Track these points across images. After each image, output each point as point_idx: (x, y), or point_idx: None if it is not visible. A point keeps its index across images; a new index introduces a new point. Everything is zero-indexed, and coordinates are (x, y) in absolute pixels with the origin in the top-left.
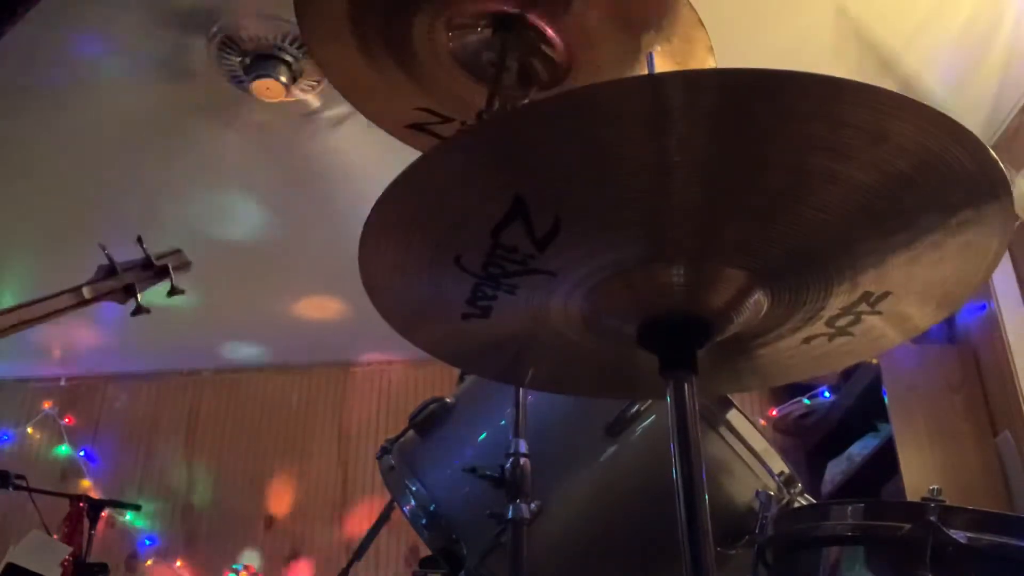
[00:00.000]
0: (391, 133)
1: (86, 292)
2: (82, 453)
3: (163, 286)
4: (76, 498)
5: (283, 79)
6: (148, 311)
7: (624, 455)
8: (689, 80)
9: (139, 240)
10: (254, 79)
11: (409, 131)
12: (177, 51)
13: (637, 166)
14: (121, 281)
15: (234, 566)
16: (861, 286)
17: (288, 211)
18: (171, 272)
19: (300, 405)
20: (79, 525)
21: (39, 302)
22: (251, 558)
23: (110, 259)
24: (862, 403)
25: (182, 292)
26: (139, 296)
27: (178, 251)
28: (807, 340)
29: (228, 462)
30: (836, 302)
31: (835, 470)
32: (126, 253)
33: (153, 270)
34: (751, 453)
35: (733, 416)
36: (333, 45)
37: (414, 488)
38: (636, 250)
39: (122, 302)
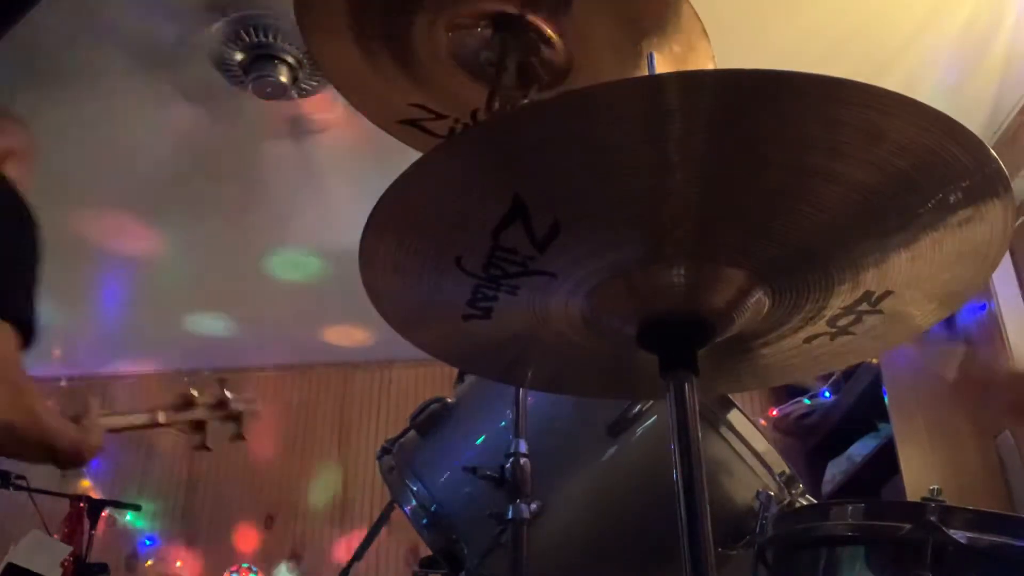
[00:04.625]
0: (382, 127)
1: (161, 417)
2: None
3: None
4: (76, 498)
5: (283, 79)
6: (210, 450)
7: (625, 455)
8: (688, 80)
9: (220, 382)
10: (254, 79)
11: (400, 126)
12: (177, 51)
13: (636, 167)
14: (195, 416)
15: (234, 566)
16: (862, 285)
17: (288, 211)
18: (242, 418)
19: (300, 405)
20: (79, 525)
21: (114, 415)
22: (251, 558)
23: (192, 392)
24: (862, 403)
25: (243, 439)
26: (207, 434)
27: (254, 399)
28: (808, 340)
29: (228, 462)
30: (837, 301)
31: (835, 470)
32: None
33: (226, 412)
34: (752, 453)
35: (734, 416)
36: (332, 41)
37: (415, 488)
38: (636, 251)
39: (189, 433)
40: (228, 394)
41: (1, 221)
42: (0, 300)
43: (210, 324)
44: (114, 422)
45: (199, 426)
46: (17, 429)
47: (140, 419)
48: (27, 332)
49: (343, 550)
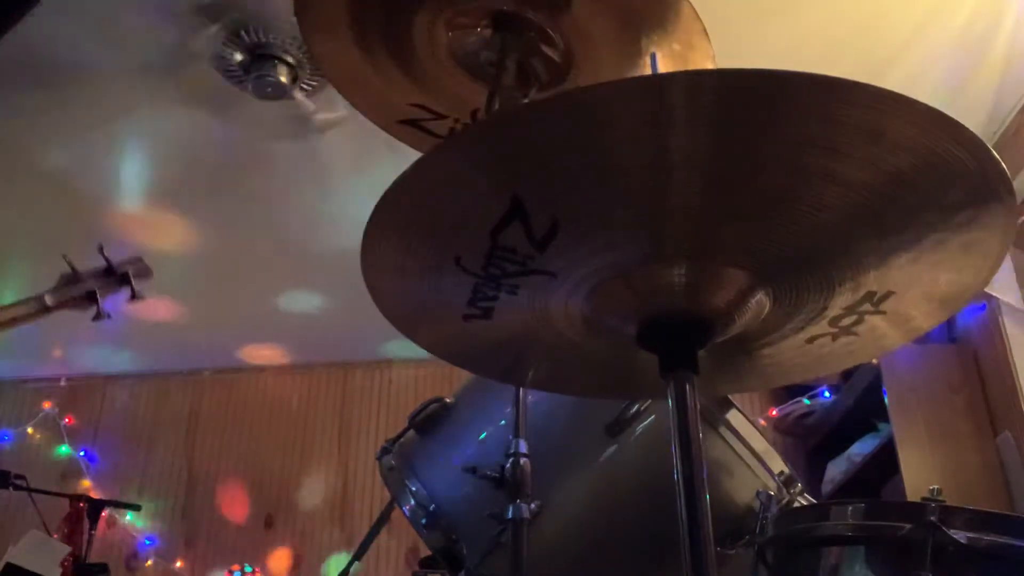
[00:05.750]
0: (382, 127)
1: (48, 300)
2: (82, 453)
3: (125, 293)
4: (76, 498)
5: (283, 79)
6: (109, 316)
7: (624, 455)
8: (688, 80)
9: (100, 249)
10: (254, 79)
11: (400, 126)
12: (177, 51)
13: (636, 166)
14: (83, 288)
15: (234, 566)
16: (864, 286)
17: (287, 211)
18: (132, 279)
19: (300, 405)
20: (79, 525)
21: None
22: (251, 558)
23: (72, 267)
24: (862, 403)
25: (142, 298)
26: (100, 302)
27: (139, 258)
28: (810, 340)
29: (228, 462)
30: (839, 302)
31: (835, 470)
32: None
33: (114, 277)
34: (751, 453)
35: (733, 416)
36: (331, 40)
37: (414, 488)
38: (636, 250)
39: (84, 309)
40: (110, 259)
41: None
42: None
43: (209, 324)
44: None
45: (90, 297)
46: None
47: (27, 308)
48: None
49: (343, 550)
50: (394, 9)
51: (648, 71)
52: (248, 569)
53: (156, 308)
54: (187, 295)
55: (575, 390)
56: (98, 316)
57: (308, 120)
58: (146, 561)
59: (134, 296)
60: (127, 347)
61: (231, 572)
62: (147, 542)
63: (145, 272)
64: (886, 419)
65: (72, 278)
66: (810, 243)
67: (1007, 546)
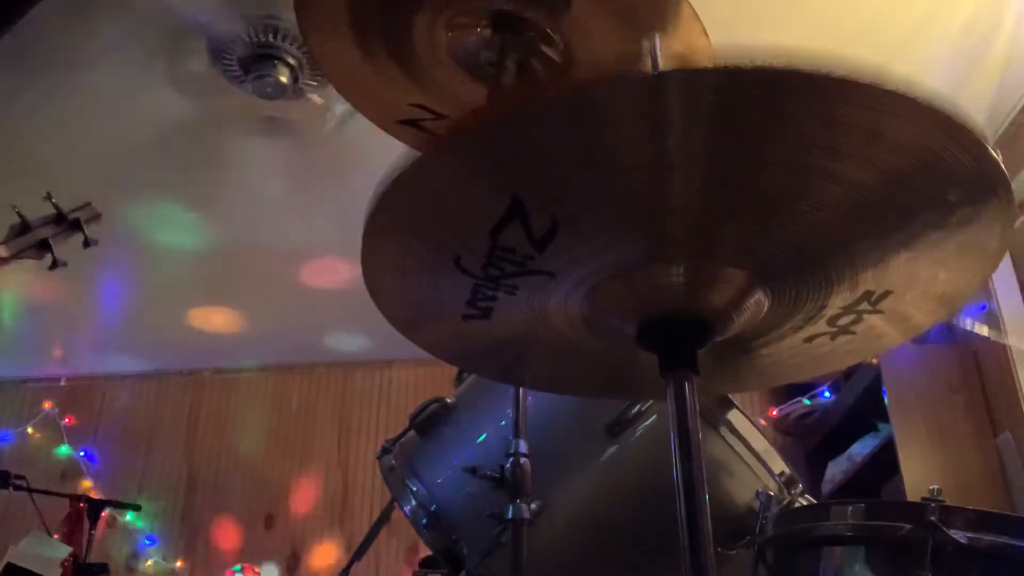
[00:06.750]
0: (382, 127)
1: (2, 252)
2: (82, 453)
3: (79, 239)
4: (76, 498)
5: (283, 79)
6: (65, 264)
7: (624, 455)
8: (687, 79)
9: (48, 196)
10: (254, 79)
11: (400, 126)
12: (177, 50)
13: (635, 165)
14: (35, 237)
15: (234, 566)
16: (862, 285)
17: (287, 211)
18: (83, 225)
19: (300, 405)
20: (79, 525)
21: None
22: (251, 558)
23: (22, 217)
24: (862, 403)
25: (95, 243)
26: (54, 250)
27: (88, 204)
28: (809, 339)
29: (228, 462)
30: (837, 301)
31: (835, 470)
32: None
33: (65, 224)
34: (751, 453)
35: (734, 416)
36: (331, 40)
37: (415, 488)
38: (636, 250)
39: (38, 258)
40: (60, 205)
41: None
42: None
43: (210, 323)
44: None
45: (43, 246)
46: None
47: None
48: None
49: (343, 550)
50: (394, 9)
51: (648, 68)
52: (240, 568)
53: (156, 306)
54: (186, 293)
55: (575, 390)
56: (54, 265)
57: (309, 119)
58: (146, 561)
59: (87, 243)
60: (127, 347)
61: (231, 572)
62: (147, 542)
63: (96, 217)
64: (886, 419)
65: (23, 228)
66: (809, 243)
67: (1007, 546)
